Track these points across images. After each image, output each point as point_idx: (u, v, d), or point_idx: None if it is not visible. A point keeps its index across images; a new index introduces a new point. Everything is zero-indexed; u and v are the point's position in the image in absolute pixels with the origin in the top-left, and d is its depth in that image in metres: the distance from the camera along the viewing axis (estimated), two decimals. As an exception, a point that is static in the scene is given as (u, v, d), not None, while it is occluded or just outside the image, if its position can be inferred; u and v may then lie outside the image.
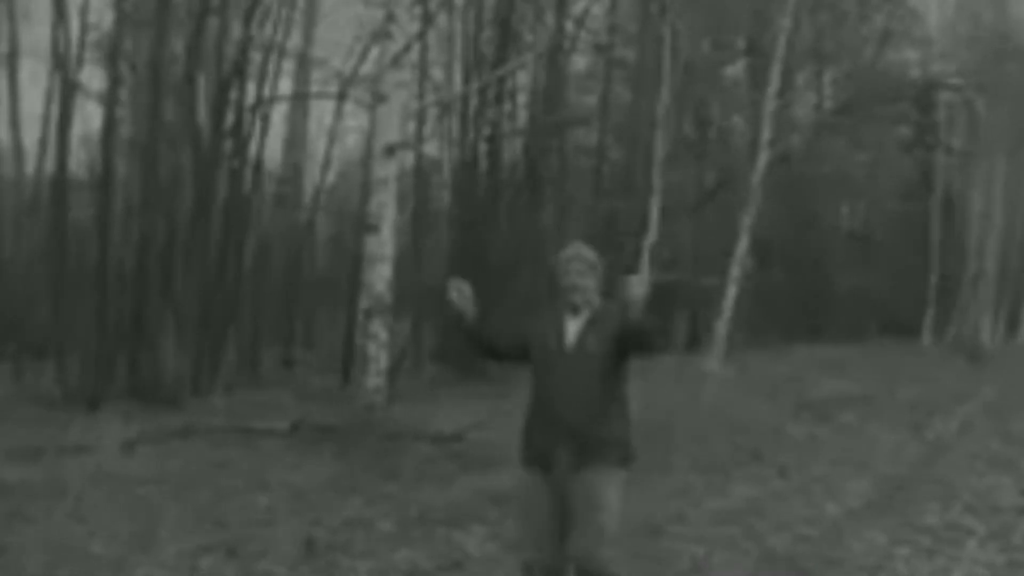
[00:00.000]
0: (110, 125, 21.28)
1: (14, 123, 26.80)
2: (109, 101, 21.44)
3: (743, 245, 16.90)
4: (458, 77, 27.92)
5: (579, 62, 32.16)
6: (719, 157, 32.29)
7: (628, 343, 5.89)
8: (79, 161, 25.24)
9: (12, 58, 26.74)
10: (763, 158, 17.63)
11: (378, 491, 10.71)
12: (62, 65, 22.05)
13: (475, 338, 6.20)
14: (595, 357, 5.93)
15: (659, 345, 6.06)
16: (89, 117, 25.52)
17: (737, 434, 14.62)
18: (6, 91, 26.75)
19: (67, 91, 21.96)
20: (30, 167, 27.58)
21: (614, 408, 6.02)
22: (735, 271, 16.85)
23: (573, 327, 6.06)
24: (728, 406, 16.18)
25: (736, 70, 33.17)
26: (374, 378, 13.22)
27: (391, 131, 13.32)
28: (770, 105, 18.10)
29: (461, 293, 6.08)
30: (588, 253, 6.18)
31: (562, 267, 6.14)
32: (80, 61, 22.41)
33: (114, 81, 21.51)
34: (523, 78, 28.99)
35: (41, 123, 26.58)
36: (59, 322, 21.63)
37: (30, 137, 27.14)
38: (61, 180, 22.16)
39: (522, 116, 29.62)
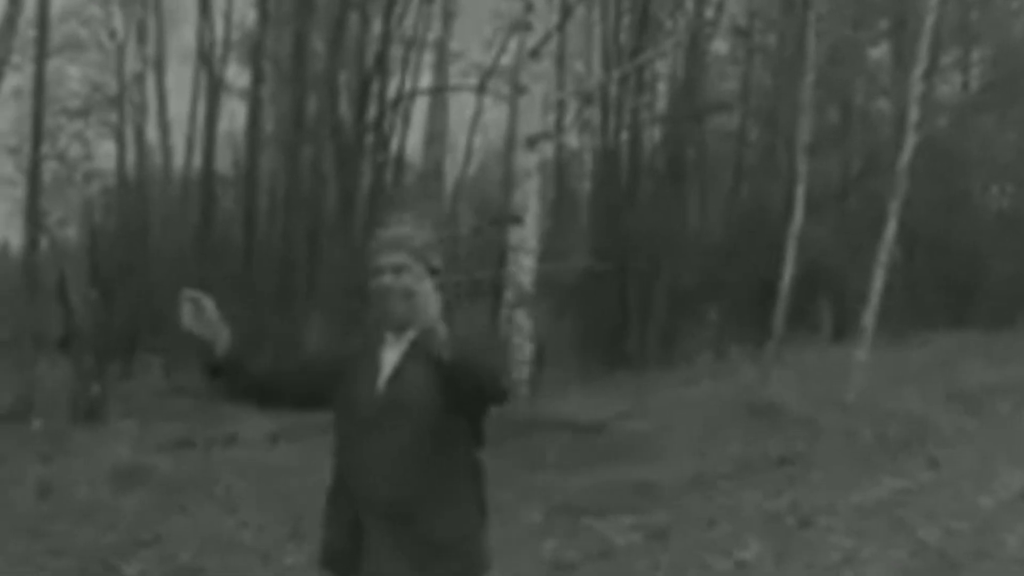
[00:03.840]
0: (254, 122, 21.64)
1: (162, 123, 27.43)
2: (253, 98, 21.80)
3: (890, 231, 16.52)
4: (597, 67, 27.84)
5: (719, 48, 31.83)
6: (864, 141, 31.70)
7: (449, 395, 3.64)
8: (224, 158, 25.72)
9: (160, 60, 27.36)
10: (909, 141, 17.19)
11: (523, 482, 10.69)
12: (207, 65, 22.46)
13: (236, 377, 3.93)
14: (417, 409, 3.72)
15: (492, 393, 3.70)
16: (234, 115, 25.95)
17: (885, 425, 14.33)
18: (154, 92, 27.40)
19: (213, 90, 22.37)
20: (178, 165, 28.20)
21: (452, 491, 3.83)
22: (882, 258, 16.50)
23: (390, 361, 3.88)
24: (875, 396, 15.85)
25: (880, 52, 32.51)
26: (518, 368, 13.21)
27: (532, 123, 13.29)
28: (916, 87, 17.66)
29: (198, 311, 3.81)
30: (411, 233, 3.90)
31: (370, 261, 3.91)
32: (224, 60, 22.82)
33: (257, 79, 21.86)
34: (663, 66, 28.80)
35: (188, 122, 27.14)
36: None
37: (178, 136, 27.75)
38: (208, 176, 22.59)
39: (662, 104, 29.45)
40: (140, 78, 27.47)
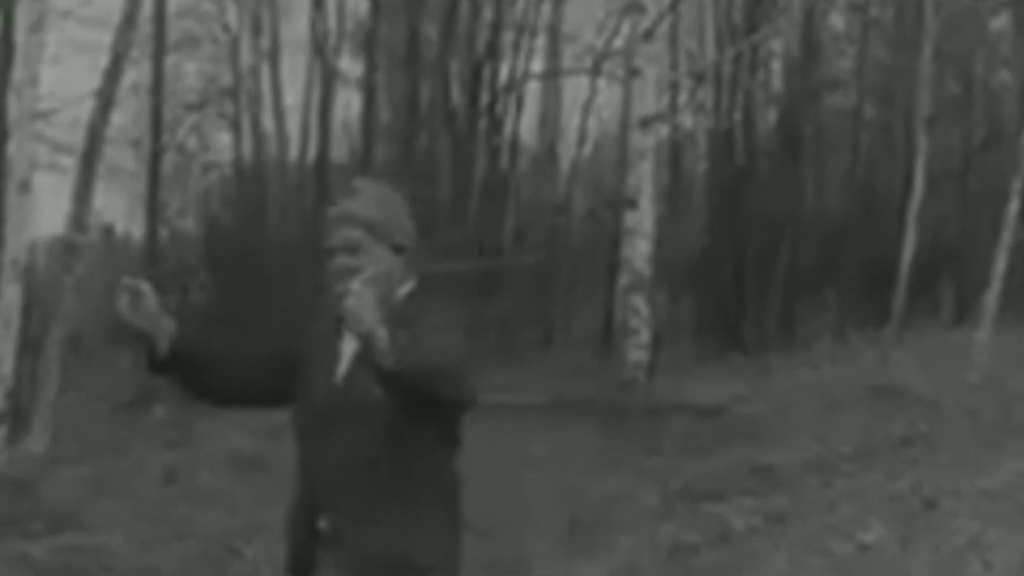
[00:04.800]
0: (369, 111, 21.81)
1: (278, 112, 27.74)
2: (367, 87, 21.96)
3: (1013, 209, 16.11)
4: (711, 46, 27.57)
5: (835, 23, 31.33)
6: (985, 115, 31.01)
7: (399, 406, 3.16)
8: (339, 146, 25.94)
9: (274, 51, 27.66)
10: (1034, 115, 16.78)
11: (640, 465, 10.65)
12: (321, 55, 22.67)
13: (186, 373, 3.48)
14: (375, 408, 3.20)
15: (451, 404, 3.25)
16: (347, 103, 26.20)
17: (1009, 406, 14.00)
18: (269, 82, 27.72)
19: (327, 80, 22.58)
20: (293, 154, 28.51)
21: (415, 505, 3.33)
22: (1005, 237, 16.09)
23: (349, 351, 3.37)
24: (999, 377, 15.53)
25: (1001, 22, 31.77)
26: (635, 352, 13.17)
27: (646, 104, 13.22)
28: (1040, 59, 17.23)
29: (136, 301, 3.30)
30: (366, 205, 3.39)
31: (323, 240, 3.45)
32: (338, 50, 23.01)
33: (371, 67, 22.01)
34: (777, 43, 28.43)
35: (302, 112, 27.43)
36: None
37: (292, 126, 28.08)
38: (323, 166, 22.81)
39: (776, 83, 29.08)
40: (255, 70, 27.83)
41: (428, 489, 3.37)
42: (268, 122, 28.05)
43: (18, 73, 12.40)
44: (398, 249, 3.41)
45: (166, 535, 8.30)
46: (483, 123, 22.95)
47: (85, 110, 18.39)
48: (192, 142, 28.60)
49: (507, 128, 24.52)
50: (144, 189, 24.51)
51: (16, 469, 10.43)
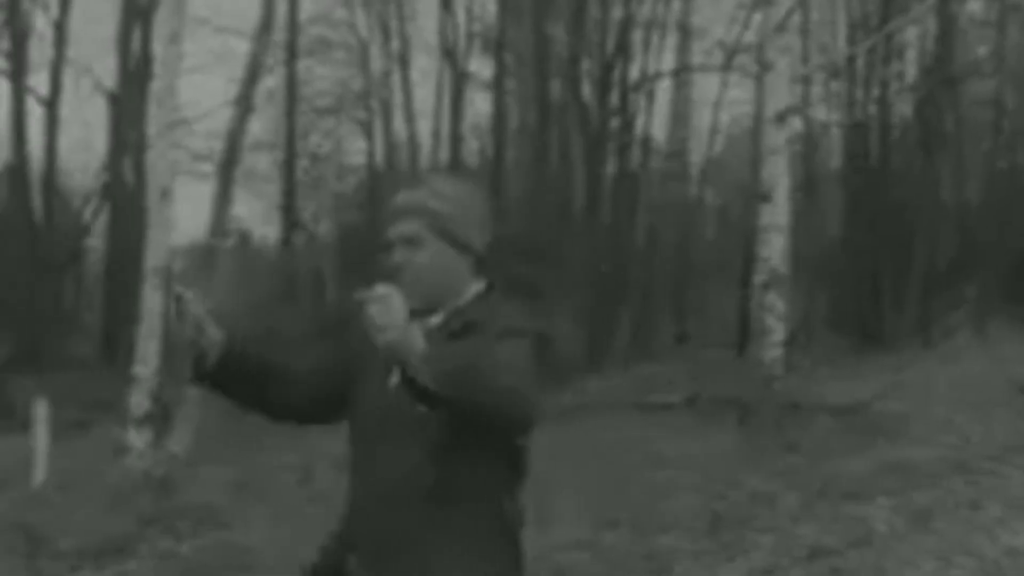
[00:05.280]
0: (499, 112, 21.90)
1: (409, 116, 28.02)
2: (497, 88, 22.06)
3: None
4: (843, 38, 27.16)
5: (972, 9, 30.63)
6: None
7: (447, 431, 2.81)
8: (469, 148, 26.10)
9: (404, 55, 27.93)
10: None
11: (779, 464, 10.51)
12: (451, 58, 22.83)
13: (237, 380, 3.20)
14: (422, 422, 2.77)
15: (508, 430, 2.84)
16: (477, 105, 26.33)
17: None
18: (400, 87, 27.99)
19: (457, 82, 22.73)
20: (424, 157, 28.74)
21: (467, 540, 2.92)
22: None
23: None
24: None
25: None
26: (772, 350, 12.98)
27: (779, 98, 13.03)
28: None
29: (186, 308, 3.06)
30: (431, 195, 3.09)
31: (384, 231, 3.15)
32: (467, 53, 23.16)
33: (500, 69, 22.10)
34: (911, 33, 27.90)
35: (433, 114, 27.65)
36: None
37: (424, 128, 28.34)
38: (455, 168, 22.96)
39: (912, 73, 28.54)
40: (386, 75, 28.13)
41: (481, 522, 2.92)
42: (400, 126, 28.36)
43: (157, 83, 12.68)
44: (463, 247, 3.08)
45: (306, 535, 8.40)
46: (614, 122, 22.91)
47: (222, 118, 18.80)
48: (325, 147, 28.99)
49: (638, 126, 24.46)
50: (279, 194, 24.93)
51: (160, 469, 10.66)
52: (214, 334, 3.11)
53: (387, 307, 2.60)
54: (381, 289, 2.64)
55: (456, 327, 2.96)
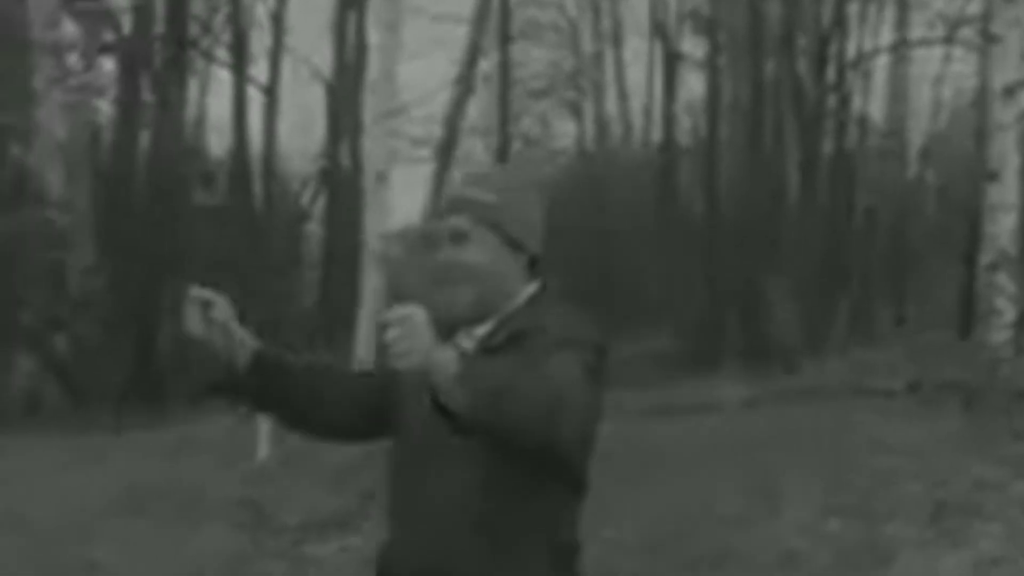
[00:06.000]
0: (713, 91, 21.71)
1: (621, 95, 28.00)
2: (710, 67, 21.86)
3: None
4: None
5: None
6: None
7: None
8: (682, 127, 25.92)
9: (616, 36, 27.88)
10: None
11: (1007, 451, 10.13)
12: (663, 37, 22.71)
13: (268, 390, 2.91)
14: (467, 444, 2.50)
15: (539, 448, 2.47)
16: (689, 84, 26.13)
17: None
18: (612, 67, 27.98)
19: (669, 62, 22.60)
20: (636, 137, 28.68)
21: (521, 568, 2.68)
22: None
23: None
24: None
25: None
26: (1000, 332, 12.52)
27: (1007, 71, 12.54)
28: None
29: (208, 314, 2.81)
30: (479, 191, 2.83)
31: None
32: (679, 32, 23.01)
33: (713, 47, 21.90)
34: None
35: (644, 94, 27.55)
36: (671, 284, 22.34)
37: (635, 109, 28.29)
38: (669, 148, 22.84)
39: None
40: (597, 55, 28.11)
41: (533, 555, 2.67)
42: (610, 107, 28.33)
43: (373, 70, 12.88)
44: (516, 245, 2.81)
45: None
46: (830, 100, 22.45)
47: (438, 103, 19.01)
48: (536, 129, 29.13)
49: (855, 104, 23.93)
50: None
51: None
52: (243, 339, 2.86)
53: (410, 330, 2.36)
54: (402, 310, 2.39)
55: (505, 337, 2.70)
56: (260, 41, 22.78)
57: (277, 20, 22.52)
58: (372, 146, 12.16)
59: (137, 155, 20.89)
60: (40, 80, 15.98)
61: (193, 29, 21.89)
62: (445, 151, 14.81)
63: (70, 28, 19.82)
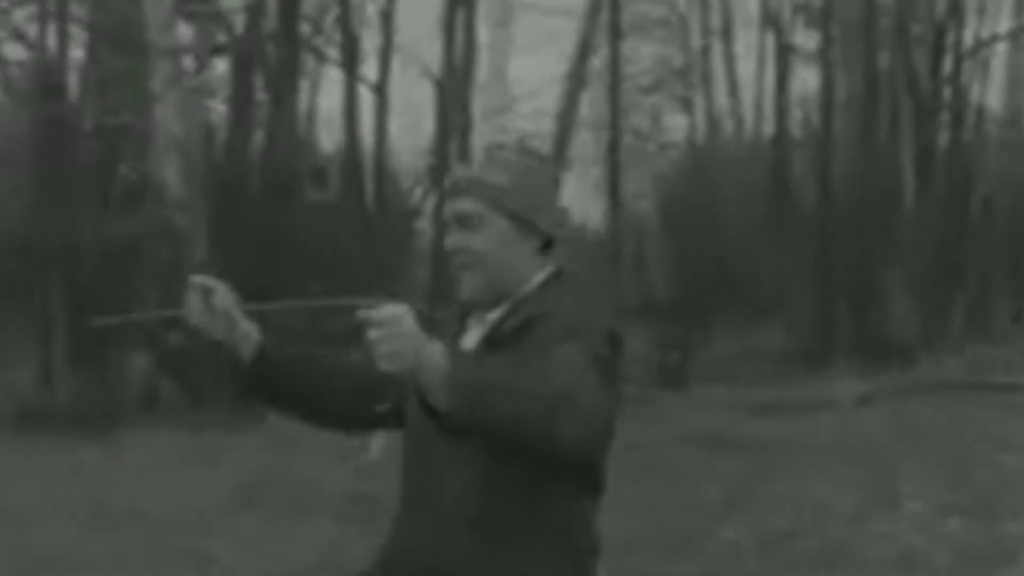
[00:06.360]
0: (827, 83, 21.48)
1: (732, 88, 27.79)
2: (823, 59, 21.63)
3: None
4: None
5: None
6: None
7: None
8: (794, 121, 25.65)
9: (727, 29, 27.67)
10: None
11: None
12: (776, 29, 22.52)
13: (276, 382, 2.81)
14: (465, 441, 2.41)
15: (550, 461, 2.39)
16: (800, 77, 25.84)
17: None
18: (722, 61, 27.78)
19: (781, 54, 22.40)
20: (747, 131, 28.43)
21: (521, 564, 2.54)
22: None
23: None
24: None
25: None
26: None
27: None
28: None
29: (208, 302, 2.70)
30: (487, 172, 2.72)
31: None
32: (792, 24, 22.81)
33: (827, 39, 21.67)
34: None
35: (755, 88, 27.32)
36: (784, 279, 22.12)
37: (746, 103, 28.06)
38: (781, 141, 22.63)
39: None
40: (706, 49, 27.94)
41: (540, 557, 2.54)
42: (721, 101, 28.12)
43: (483, 67, 12.89)
44: (528, 227, 2.67)
45: (630, 510, 8.35)
46: (946, 90, 22.08)
47: (549, 98, 19.01)
48: (645, 124, 29.00)
49: (972, 94, 23.53)
50: (601, 175, 25.07)
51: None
52: (247, 328, 2.74)
53: (395, 331, 2.23)
54: (389, 309, 2.26)
55: (515, 324, 2.57)
56: (370, 40, 22.96)
57: (387, 19, 22.66)
58: (482, 142, 12.17)
59: (250, 153, 21.14)
60: (157, 82, 16.22)
61: (304, 29, 22.10)
62: (557, 147, 14.71)
63: (184, 30, 20.16)
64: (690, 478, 9.43)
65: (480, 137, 11.84)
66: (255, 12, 20.82)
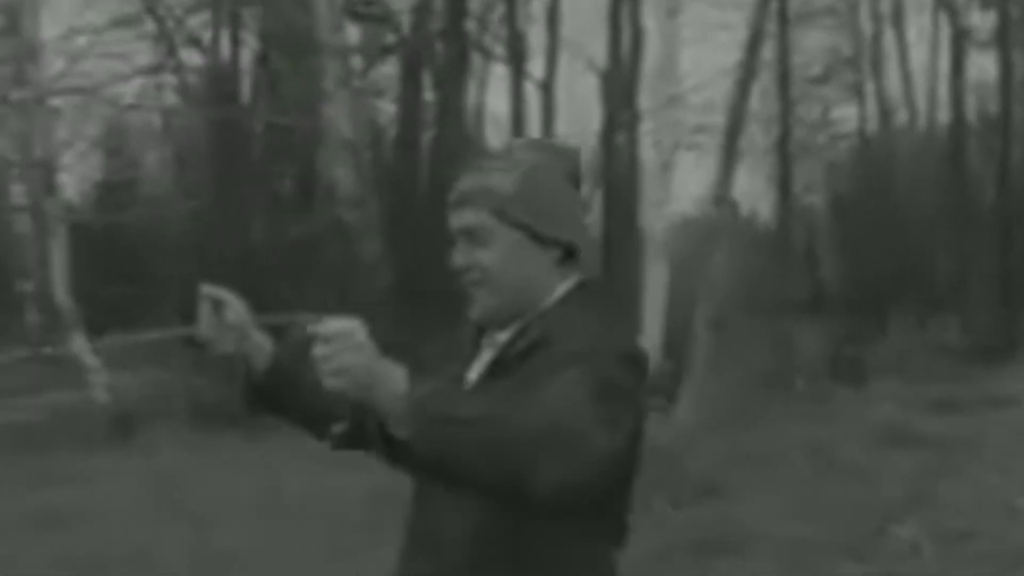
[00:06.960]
0: (1005, 68, 20.92)
1: (905, 76, 27.20)
2: (1000, 43, 21.08)
3: None
4: None
5: None
6: None
7: None
8: (970, 107, 25.02)
9: (898, 13, 27.09)
10: None
11: None
12: (950, 13, 22.02)
13: (288, 398, 2.65)
14: None
15: (516, 501, 2.10)
16: (976, 62, 25.20)
17: None
18: (894, 47, 27.21)
19: (957, 39, 21.89)
20: (921, 118, 27.83)
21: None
22: None
23: (474, 377, 2.48)
24: None
25: None
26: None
27: None
28: None
29: (219, 314, 2.57)
30: (495, 180, 2.42)
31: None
32: (967, 8, 22.29)
33: (1004, 22, 21.11)
34: None
35: (928, 74, 26.72)
36: (962, 272, 21.61)
37: (919, 90, 27.42)
38: (958, 128, 22.12)
39: None
40: (877, 36, 27.38)
41: (542, 561, 2.30)
42: (893, 89, 27.55)
43: (652, 58, 12.84)
44: (543, 239, 2.41)
45: (807, 508, 8.25)
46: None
47: (717, 90, 18.82)
48: (814, 114, 28.57)
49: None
50: (771, 166, 24.80)
51: (665, 438, 10.79)
52: (260, 341, 2.60)
53: (342, 346, 2.02)
54: (337, 324, 2.04)
55: (523, 346, 2.34)
56: (536, 36, 23.05)
57: (552, 14, 22.72)
58: (651, 135, 12.12)
59: (420, 152, 21.43)
60: (328, 82, 16.52)
61: (470, 27, 22.30)
62: (728, 139, 14.49)
63: (353, 31, 20.52)
64: (869, 476, 9.26)
65: (651, 129, 11.78)
66: (422, 12, 21.07)
